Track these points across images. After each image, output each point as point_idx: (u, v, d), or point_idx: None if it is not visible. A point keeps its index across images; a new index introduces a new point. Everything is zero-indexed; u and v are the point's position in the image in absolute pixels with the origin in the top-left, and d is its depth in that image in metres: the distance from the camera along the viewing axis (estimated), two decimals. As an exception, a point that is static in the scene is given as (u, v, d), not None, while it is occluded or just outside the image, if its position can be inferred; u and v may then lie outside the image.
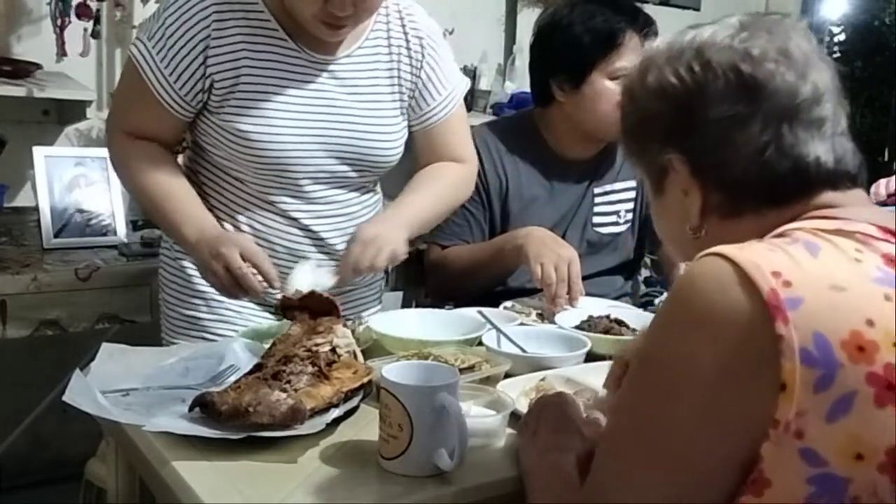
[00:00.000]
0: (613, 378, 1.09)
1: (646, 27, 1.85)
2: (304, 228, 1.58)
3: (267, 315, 1.60)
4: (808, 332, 0.76)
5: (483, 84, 3.31)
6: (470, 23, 3.28)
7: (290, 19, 1.49)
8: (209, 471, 0.99)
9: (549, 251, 1.68)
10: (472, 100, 3.20)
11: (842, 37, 4.65)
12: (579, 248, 1.82)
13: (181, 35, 1.45)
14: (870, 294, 0.78)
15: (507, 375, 1.29)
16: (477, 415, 1.13)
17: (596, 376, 1.25)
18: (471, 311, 1.57)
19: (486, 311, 1.56)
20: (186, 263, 1.60)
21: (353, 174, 1.59)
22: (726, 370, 0.77)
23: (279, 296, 1.38)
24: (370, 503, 0.97)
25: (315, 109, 1.52)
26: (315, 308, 1.28)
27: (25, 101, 2.33)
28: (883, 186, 2.28)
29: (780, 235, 0.85)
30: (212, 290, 1.52)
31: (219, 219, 1.55)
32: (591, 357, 1.40)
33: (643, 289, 2.64)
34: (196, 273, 1.58)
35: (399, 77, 1.60)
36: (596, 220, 1.97)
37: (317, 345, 1.19)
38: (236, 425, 1.04)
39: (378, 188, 1.73)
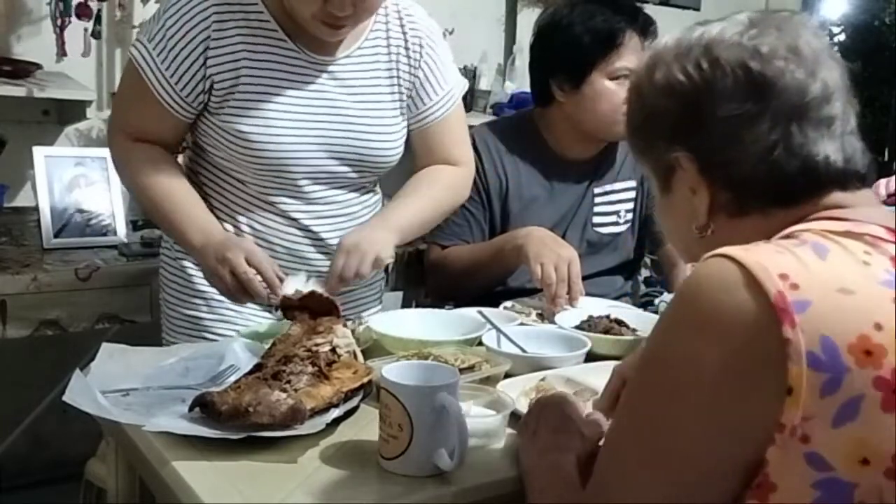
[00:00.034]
0: (611, 391, 1.09)
1: (646, 27, 1.85)
2: (304, 229, 1.58)
3: (267, 315, 1.60)
4: (816, 336, 0.75)
5: (483, 84, 3.30)
6: (470, 23, 3.28)
7: (290, 20, 1.49)
8: (209, 471, 0.99)
9: (549, 251, 1.68)
10: (472, 100, 3.20)
11: (842, 37, 4.65)
12: (579, 248, 1.82)
13: (181, 36, 1.45)
14: (878, 297, 0.77)
15: (507, 375, 1.29)
16: (477, 415, 1.13)
17: (596, 376, 1.26)
18: (471, 311, 1.57)
19: (486, 311, 1.56)
20: (187, 263, 1.60)
21: (353, 174, 1.59)
22: (731, 373, 0.77)
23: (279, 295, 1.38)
24: (370, 503, 0.97)
25: (315, 110, 1.52)
26: (315, 308, 1.28)
27: (25, 101, 2.33)
28: (883, 186, 2.28)
29: (788, 237, 0.85)
30: (212, 289, 1.52)
31: (219, 219, 1.55)
32: (591, 357, 1.40)
33: (643, 289, 2.64)
34: (196, 273, 1.58)
35: (398, 77, 1.60)
36: (596, 220, 1.97)
37: (317, 345, 1.19)
38: (236, 425, 1.04)
39: (378, 188, 1.73)
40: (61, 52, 2.46)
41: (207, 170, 1.59)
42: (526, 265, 1.71)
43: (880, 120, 4.32)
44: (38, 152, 2.10)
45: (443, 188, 1.65)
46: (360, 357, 1.25)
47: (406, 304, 2.38)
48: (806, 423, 0.75)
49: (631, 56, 1.82)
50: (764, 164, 0.88)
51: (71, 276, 1.89)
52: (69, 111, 2.55)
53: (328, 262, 1.50)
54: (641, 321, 1.58)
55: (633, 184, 2.00)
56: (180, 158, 1.66)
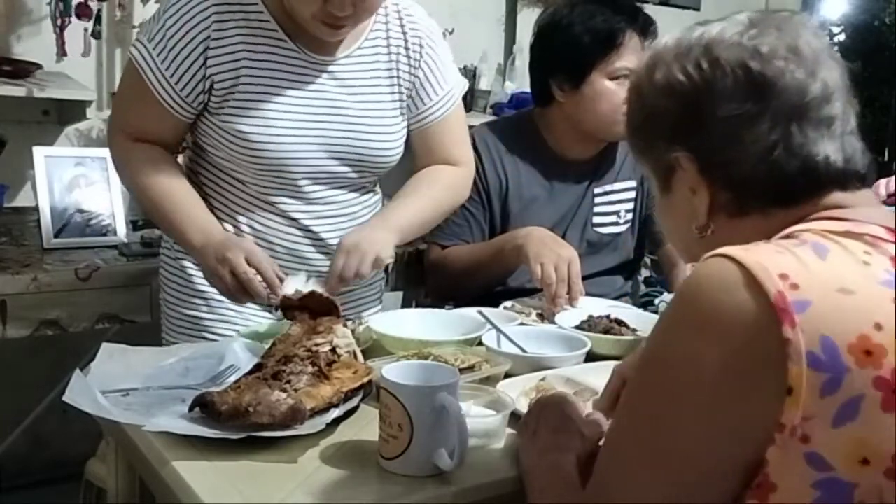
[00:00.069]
0: (610, 391, 1.09)
1: (646, 27, 1.85)
2: (304, 229, 1.58)
3: (267, 315, 1.60)
4: (816, 336, 0.75)
5: (483, 84, 3.30)
6: (470, 23, 3.28)
7: (290, 20, 1.49)
8: (209, 471, 0.99)
9: (549, 251, 1.68)
10: (472, 100, 3.19)
11: (842, 37, 4.65)
12: (579, 248, 1.82)
13: (181, 36, 1.45)
14: (878, 297, 0.77)
15: (507, 375, 1.29)
16: (477, 415, 1.13)
17: (596, 376, 1.26)
18: (471, 311, 1.57)
19: (486, 311, 1.56)
20: (187, 263, 1.60)
21: (353, 174, 1.59)
22: (731, 373, 0.77)
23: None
24: (370, 503, 0.97)
25: (314, 110, 1.52)
26: (315, 308, 1.28)
27: (25, 101, 2.32)
28: (883, 187, 2.28)
29: (788, 237, 0.85)
30: (212, 289, 1.52)
31: (219, 219, 1.55)
32: (591, 357, 1.40)
33: (643, 289, 2.64)
34: (197, 273, 1.58)
35: (398, 77, 1.60)
36: (596, 220, 1.97)
37: (317, 345, 1.19)
38: (236, 425, 1.04)
39: (378, 188, 1.73)
40: (61, 52, 2.46)
41: (207, 170, 1.59)
42: (526, 265, 1.71)
43: (880, 120, 4.32)
44: (38, 152, 2.10)
45: (443, 188, 1.65)
46: (360, 357, 1.25)
47: (406, 304, 2.38)
48: (806, 423, 0.75)
49: (631, 56, 1.82)
50: (764, 164, 0.88)
51: (71, 276, 1.89)
52: (69, 111, 2.55)
53: (328, 262, 1.50)
54: (641, 321, 1.58)
55: (633, 184, 2.00)
56: (180, 158, 1.66)
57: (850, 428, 0.75)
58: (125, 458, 1.23)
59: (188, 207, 1.51)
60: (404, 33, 1.60)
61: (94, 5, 2.46)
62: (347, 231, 1.56)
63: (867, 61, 4.20)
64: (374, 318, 1.50)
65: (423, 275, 2.08)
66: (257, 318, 1.59)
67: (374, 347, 1.40)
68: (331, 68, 1.54)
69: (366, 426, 1.11)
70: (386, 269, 1.86)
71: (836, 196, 0.88)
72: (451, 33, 2.93)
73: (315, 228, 1.58)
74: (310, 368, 1.14)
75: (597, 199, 1.97)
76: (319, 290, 1.31)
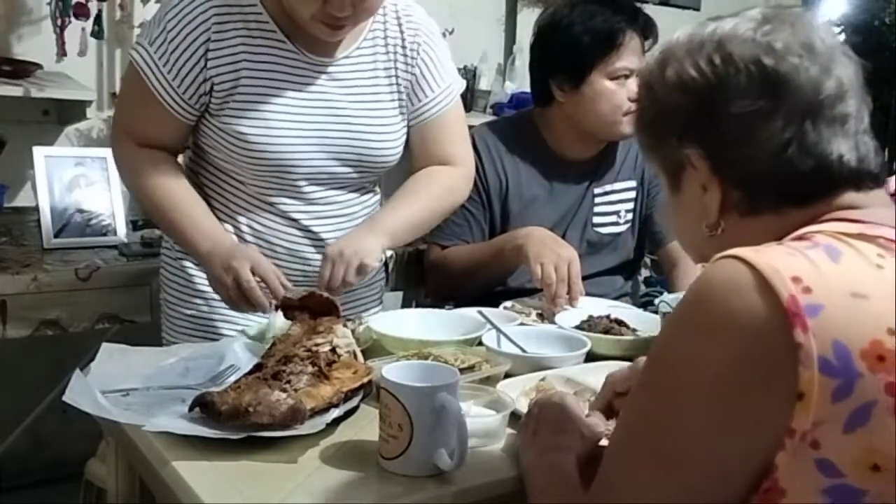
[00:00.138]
0: (603, 402, 1.09)
1: (646, 27, 1.85)
2: (304, 229, 1.58)
3: (268, 316, 1.60)
4: (828, 341, 0.74)
5: (483, 84, 3.30)
6: (470, 23, 3.28)
7: (289, 21, 1.49)
8: (209, 471, 0.99)
9: (549, 251, 1.68)
10: (472, 100, 3.20)
11: (842, 37, 4.65)
12: (579, 248, 1.82)
13: (182, 38, 1.46)
14: (891, 302, 0.76)
15: (507, 375, 1.29)
16: (477, 415, 1.13)
17: (596, 376, 1.25)
18: (471, 311, 1.57)
19: (486, 311, 1.56)
20: (187, 263, 1.60)
21: (353, 175, 1.59)
22: (741, 377, 0.76)
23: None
24: (370, 503, 0.97)
25: (314, 111, 1.52)
26: (315, 308, 1.28)
27: (25, 101, 2.33)
28: (892, 183, 2.28)
29: (801, 238, 0.83)
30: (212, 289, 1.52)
31: (219, 220, 1.55)
32: (591, 357, 1.40)
33: (643, 289, 2.64)
34: (197, 273, 1.58)
35: (397, 76, 1.60)
36: (596, 220, 1.97)
37: (317, 345, 1.19)
38: (236, 425, 1.04)
39: (378, 188, 1.73)
40: (61, 52, 2.46)
41: (207, 170, 1.59)
42: (526, 265, 1.71)
43: (880, 120, 4.32)
44: (38, 152, 2.10)
45: (439, 190, 1.64)
46: (360, 357, 1.25)
47: (406, 304, 2.38)
48: (816, 428, 0.74)
49: (631, 56, 1.82)
50: (777, 162, 0.86)
51: (71, 276, 1.89)
52: (69, 111, 2.55)
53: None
54: (641, 321, 1.58)
55: (633, 184, 2.00)
56: (180, 158, 1.66)
57: (861, 434, 0.74)
58: (125, 458, 1.23)
59: (195, 214, 1.51)
60: (402, 32, 1.59)
61: (93, 5, 2.46)
62: (347, 231, 1.56)
63: (867, 61, 4.20)
64: (374, 318, 1.50)
65: (423, 275, 2.08)
66: (258, 319, 1.59)
67: (374, 347, 1.40)
68: (330, 69, 1.54)
69: (366, 426, 1.11)
70: (386, 269, 1.86)
71: (850, 196, 0.87)
72: (451, 33, 2.94)
73: (315, 229, 1.58)
74: (310, 368, 1.14)
75: (597, 199, 1.97)
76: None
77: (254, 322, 1.55)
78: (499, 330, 1.45)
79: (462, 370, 1.21)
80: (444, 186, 1.65)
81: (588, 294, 1.71)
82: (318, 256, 1.58)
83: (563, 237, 1.82)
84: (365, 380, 1.16)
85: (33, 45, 2.50)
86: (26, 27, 2.51)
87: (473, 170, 1.74)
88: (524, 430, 1.07)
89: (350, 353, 1.22)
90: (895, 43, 4.20)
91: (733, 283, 0.77)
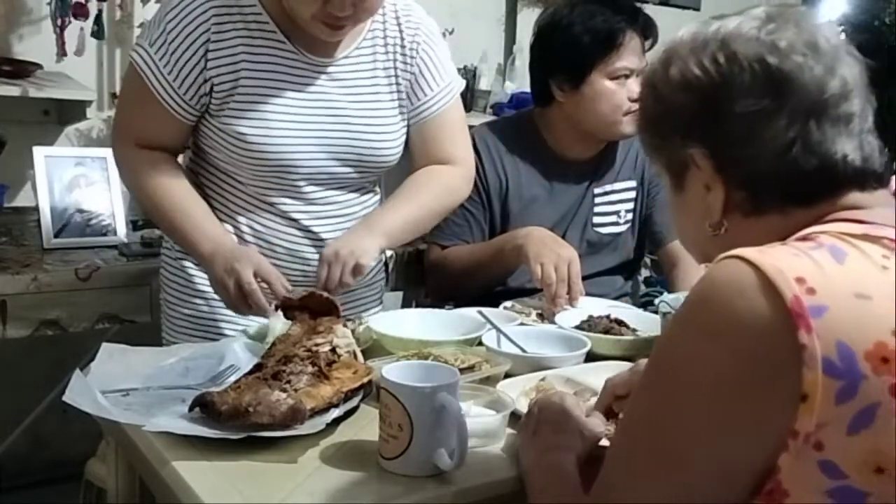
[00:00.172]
0: (603, 406, 1.09)
1: (646, 27, 1.85)
2: (304, 229, 1.58)
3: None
4: (832, 342, 0.73)
5: (483, 84, 3.30)
6: (470, 23, 3.27)
7: (289, 21, 1.49)
8: (209, 471, 0.99)
9: (549, 251, 1.68)
10: (472, 100, 3.19)
11: (842, 37, 4.64)
12: (579, 248, 1.82)
13: (182, 39, 1.46)
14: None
15: (507, 375, 1.29)
16: (477, 415, 1.13)
17: (596, 376, 1.26)
18: (471, 311, 1.57)
19: (486, 311, 1.56)
20: (188, 263, 1.60)
21: (353, 175, 1.59)
22: (744, 378, 0.75)
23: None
24: (370, 503, 0.97)
25: (314, 111, 1.52)
26: (315, 308, 1.28)
27: (25, 101, 2.32)
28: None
29: (805, 238, 0.83)
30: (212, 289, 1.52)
31: (219, 220, 1.55)
32: (591, 357, 1.40)
33: (643, 289, 2.64)
34: (197, 272, 1.58)
35: (396, 75, 1.60)
36: (596, 220, 1.97)
37: (317, 345, 1.19)
38: (236, 425, 1.04)
39: (378, 188, 1.73)
40: (61, 52, 2.46)
41: (208, 171, 1.59)
42: (526, 265, 1.71)
43: (881, 120, 4.31)
44: (38, 152, 2.10)
45: (438, 189, 1.64)
46: (360, 357, 1.25)
47: (406, 304, 2.38)
48: (820, 430, 0.73)
49: (631, 56, 1.82)
50: (781, 161, 0.86)
51: (71, 276, 1.89)
52: (69, 111, 2.55)
53: None
54: (641, 321, 1.58)
55: (633, 184, 2.00)
56: (180, 159, 1.66)
57: (864, 436, 0.73)
58: (125, 458, 1.23)
59: (196, 214, 1.51)
60: (401, 31, 1.59)
61: (93, 5, 2.46)
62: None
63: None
64: (374, 318, 1.50)
65: (423, 275, 2.08)
66: (259, 319, 1.59)
67: (374, 347, 1.40)
68: (329, 69, 1.54)
69: (366, 426, 1.11)
70: (386, 269, 1.86)
71: (854, 196, 0.87)
72: (451, 33, 2.93)
73: (315, 229, 1.58)
74: (310, 368, 1.14)
75: (597, 199, 1.97)
76: None
77: (254, 321, 1.55)
78: (499, 330, 1.45)
79: (462, 370, 1.21)
80: (443, 185, 1.65)
81: (588, 294, 1.71)
82: (318, 256, 1.58)
83: (563, 237, 1.82)
84: (365, 380, 1.16)
85: (33, 45, 2.50)
86: (26, 27, 2.51)
87: (473, 170, 1.74)
88: (524, 430, 1.07)
89: (350, 353, 1.22)
90: (895, 43, 4.20)
91: (737, 284, 0.77)
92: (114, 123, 1.64)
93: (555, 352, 1.41)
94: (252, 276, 1.40)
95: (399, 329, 1.44)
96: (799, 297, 0.74)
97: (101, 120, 2.61)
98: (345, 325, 1.29)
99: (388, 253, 2.00)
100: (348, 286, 1.47)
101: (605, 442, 1.02)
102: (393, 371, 1.04)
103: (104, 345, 1.30)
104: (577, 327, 1.53)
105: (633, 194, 2.01)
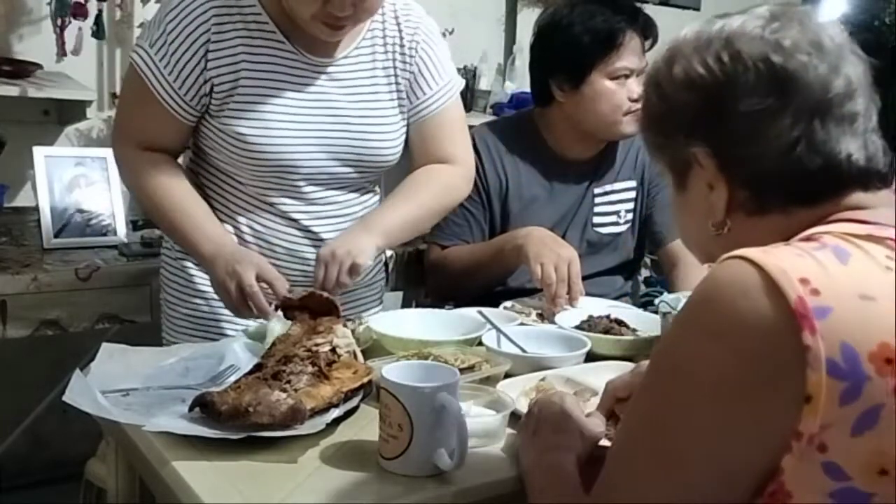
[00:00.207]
0: (605, 409, 1.09)
1: (646, 27, 1.85)
2: (304, 229, 1.58)
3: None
4: (836, 343, 0.73)
5: (483, 84, 3.30)
6: (470, 23, 3.27)
7: (288, 22, 1.49)
8: (209, 471, 0.99)
9: (549, 251, 1.68)
10: (472, 100, 3.19)
11: (846, 36, 4.64)
12: (579, 248, 1.82)
13: (182, 39, 1.46)
14: None
15: (507, 375, 1.29)
16: (477, 415, 1.13)
17: (596, 376, 1.26)
18: (471, 311, 1.57)
19: (486, 311, 1.56)
20: (188, 263, 1.60)
21: (353, 175, 1.59)
22: (747, 379, 0.75)
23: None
24: (370, 503, 0.97)
25: (314, 112, 1.52)
26: (315, 308, 1.28)
27: (25, 101, 2.32)
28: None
29: (808, 239, 0.82)
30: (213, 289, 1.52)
31: (219, 220, 1.55)
32: (591, 357, 1.40)
33: (643, 289, 2.64)
34: (198, 272, 1.58)
35: (395, 75, 1.60)
36: (596, 220, 1.97)
37: (317, 345, 1.19)
38: (236, 425, 1.04)
39: (378, 188, 1.73)
40: (61, 52, 2.46)
41: (208, 171, 1.59)
42: (526, 265, 1.71)
43: (880, 120, 4.31)
44: (38, 152, 2.10)
45: (437, 188, 1.64)
46: (360, 357, 1.25)
47: (406, 304, 2.38)
48: (824, 431, 0.73)
49: (631, 56, 1.82)
50: (785, 160, 0.85)
51: (71, 276, 1.89)
52: (69, 111, 2.55)
53: None
54: (641, 321, 1.58)
55: (633, 184, 2.00)
56: (180, 160, 1.66)
57: (868, 437, 0.73)
58: (125, 458, 1.23)
59: (196, 215, 1.51)
60: (400, 31, 1.59)
61: (92, 5, 2.45)
62: (346, 231, 1.56)
63: (867, 61, 4.19)
64: (374, 318, 1.50)
65: (423, 275, 2.08)
66: (258, 319, 1.59)
67: (374, 347, 1.40)
68: (329, 69, 1.54)
69: (366, 426, 1.11)
70: (386, 269, 1.86)
71: (858, 196, 0.86)
72: (451, 33, 2.93)
73: (315, 229, 1.58)
74: (310, 368, 1.14)
75: (597, 199, 1.97)
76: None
77: (254, 321, 1.55)
78: (499, 330, 1.45)
79: (462, 370, 1.21)
80: (442, 184, 1.65)
81: (588, 294, 1.71)
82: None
83: (563, 237, 1.82)
84: (365, 380, 1.16)
85: (33, 45, 2.50)
86: (26, 27, 2.51)
87: (473, 169, 1.74)
88: (524, 430, 1.07)
89: (350, 353, 1.23)
90: (895, 43, 4.20)
91: (741, 284, 0.76)
92: (114, 124, 1.64)
93: (555, 352, 1.41)
94: (254, 279, 1.40)
95: (399, 329, 1.44)
96: (803, 297, 0.74)
97: (101, 120, 2.61)
98: (345, 325, 1.29)
99: (389, 253, 2.01)
100: (346, 286, 1.46)
101: (604, 442, 1.02)
102: (393, 371, 1.04)
103: (104, 345, 1.30)
104: (577, 327, 1.53)
105: (633, 194, 2.01)
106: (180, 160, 1.64)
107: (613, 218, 1.99)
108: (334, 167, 1.56)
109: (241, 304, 1.42)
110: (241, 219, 1.57)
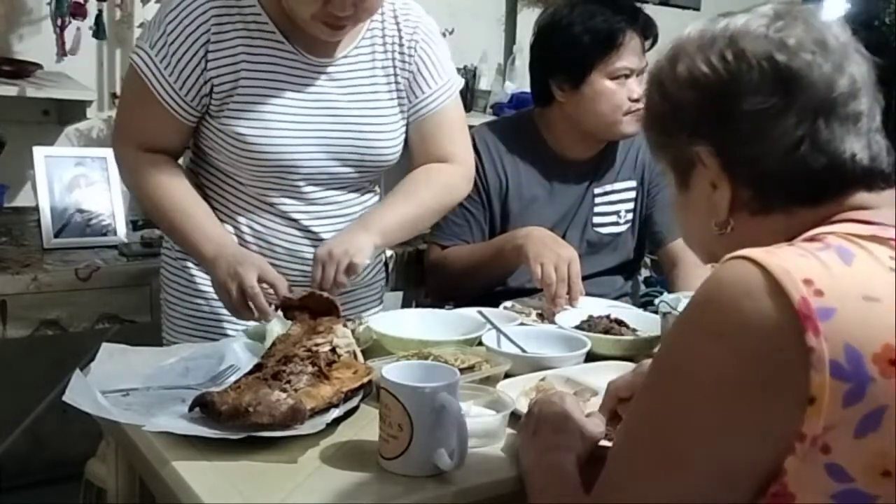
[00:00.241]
0: (607, 409, 1.09)
1: (646, 27, 1.85)
2: (304, 229, 1.58)
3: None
4: (839, 345, 0.73)
5: (483, 84, 3.30)
6: (470, 23, 3.27)
7: (288, 22, 1.49)
8: (209, 471, 0.99)
9: (549, 251, 1.68)
10: (472, 100, 3.19)
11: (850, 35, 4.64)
12: (579, 248, 1.82)
13: (182, 40, 1.46)
14: None
15: (507, 375, 1.29)
16: (477, 415, 1.13)
17: (596, 376, 1.26)
18: (471, 311, 1.57)
19: (486, 311, 1.56)
20: (188, 263, 1.60)
21: (353, 175, 1.59)
22: (750, 380, 0.75)
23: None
24: (370, 503, 0.97)
25: (313, 112, 1.52)
26: (315, 308, 1.28)
27: (25, 101, 2.33)
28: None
29: (812, 239, 0.82)
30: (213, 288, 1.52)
31: (220, 220, 1.55)
32: (591, 357, 1.40)
33: (643, 289, 2.64)
34: (198, 272, 1.58)
35: (395, 74, 1.60)
36: (596, 220, 1.97)
37: (317, 345, 1.19)
38: (236, 425, 1.04)
39: (377, 188, 1.73)
40: (61, 52, 2.46)
41: (208, 171, 1.59)
42: (526, 265, 1.71)
43: (884, 120, 4.30)
44: (38, 152, 2.10)
45: (436, 187, 1.63)
46: (360, 357, 1.25)
47: (406, 304, 2.38)
48: (827, 433, 0.73)
49: (631, 56, 1.82)
50: (789, 160, 0.85)
51: (71, 276, 1.89)
52: (69, 111, 2.55)
53: None
54: (641, 321, 1.58)
55: (633, 184, 2.00)
56: (180, 160, 1.66)
57: (872, 439, 0.73)
58: (125, 458, 1.23)
59: (197, 216, 1.51)
60: (399, 30, 1.59)
61: (92, 5, 2.45)
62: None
63: (867, 61, 4.19)
64: (374, 318, 1.50)
65: (423, 275, 2.08)
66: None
67: (374, 347, 1.40)
68: (329, 69, 1.54)
69: (366, 426, 1.11)
70: (386, 269, 1.86)
71: (861, 196, 0.86)
72: (451, 33, 2.93)
73: (315, 229, 1.58)
74: (310, 368, 1.14)
75: (597, 200, 1.97)
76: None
77: (254, 321, 1.55)
78: (499, 330, 1.45)
79: (462, 370, 1.21)
80: (441, 184, 1.64)
81: (588, 294, 1.71)
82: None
83: (563, 237, 1.82)
84: (365, 380, 1.16)
85: (33, 45, 2.50)
86: (26, 27, 2.51)
87: (473, 169, 1.73)
88: (524, 430, 1.07)
89: (350, 353, 1.23)
90: (895, 43, 4.20)
91: (744, 285, 0.76)
92: (114, 124, 1.64)
93: (555, 352, 1.41)
94: (255, 281, 1.40)
95: (399, 329, 1.44)
96: (807, 298, 0.74)
97: (101, 120, 2.61)
98: (345, 325, 1.29)
99: (389, 253, 2.01)
100: (343, 285, 1.46)
101: (605, 442, 1.02)
102: (393, 371, 1.04)
103: (104, 345, 1.30)
104: (577, 327, 1.53)
105: (633, 194, 2.01)
106: (180, 160, 1.64)
107: (613, 218, 1.99)
108: (334, 167, 1.56)
109: (242, 305, 1.41)
110: (241, 219, 1.57)
